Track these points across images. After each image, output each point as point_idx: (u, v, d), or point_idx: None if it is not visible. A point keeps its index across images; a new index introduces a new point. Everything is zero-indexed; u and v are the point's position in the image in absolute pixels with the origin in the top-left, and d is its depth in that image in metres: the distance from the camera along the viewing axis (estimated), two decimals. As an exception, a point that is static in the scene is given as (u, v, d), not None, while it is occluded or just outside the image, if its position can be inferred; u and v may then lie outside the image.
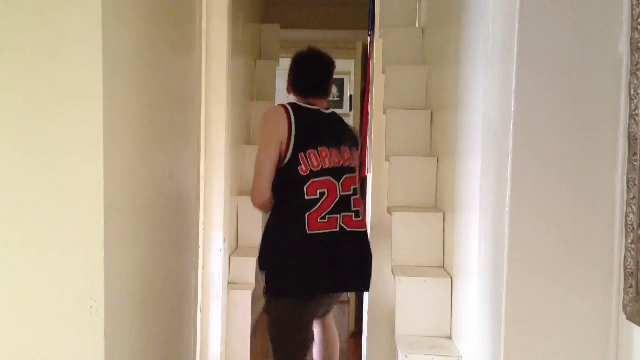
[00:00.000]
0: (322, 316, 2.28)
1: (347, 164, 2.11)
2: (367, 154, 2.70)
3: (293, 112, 2.03)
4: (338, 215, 2.02)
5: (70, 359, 1.40)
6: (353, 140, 2.26)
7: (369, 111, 2.69)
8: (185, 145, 2.50)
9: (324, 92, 2.18)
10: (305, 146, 2.01)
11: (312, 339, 2.18)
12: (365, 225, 2.14)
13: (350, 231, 2.04)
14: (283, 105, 2.08)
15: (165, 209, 2.21)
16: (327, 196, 2.00)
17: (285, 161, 2.00)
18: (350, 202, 2.07)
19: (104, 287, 1.50)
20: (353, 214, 2.06)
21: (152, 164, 2.01)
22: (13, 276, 1.17)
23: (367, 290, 2.25)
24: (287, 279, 2.01)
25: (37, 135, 1.25)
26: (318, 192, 2.00)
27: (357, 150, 2.26)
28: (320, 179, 2.01)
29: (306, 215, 1.97)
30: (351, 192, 2.08)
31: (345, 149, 2.14)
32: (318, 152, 2.03)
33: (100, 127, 1.47)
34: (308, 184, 1.99)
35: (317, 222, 1.98)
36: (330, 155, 2.06)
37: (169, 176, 2.26)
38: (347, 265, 2.05)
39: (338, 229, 2.01)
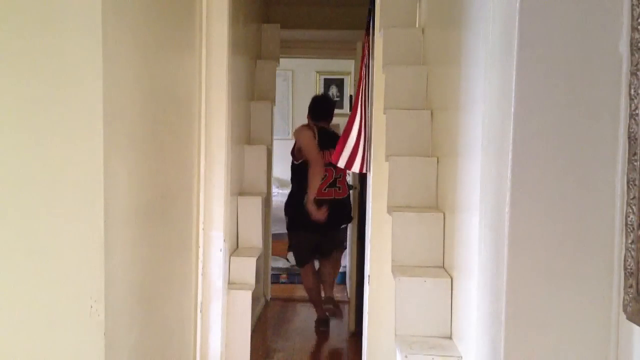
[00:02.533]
0: (323, 256, 3.92)
1: None
2: (365, 154, 2.72)
3: (317, 129, 3.67)
4: (332, 189, 3.65)
5: (70, 359, 1.40)
6: None
7: (363, 111, 2.70)
8: (184, 145, 2.50)
9: (329, 119, 3.82)
10: (319, 147, 3.58)
11: (314, 257, 3.87)
12: (345, 194, 3.77)
13: (338, 199, 3.70)
14: (310, 126, 3.71)
15: (165, 210, 2.21)
16: (327, 177, 3.61)
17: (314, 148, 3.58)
18: (336, 182, 3.68)
19: (104, 287, 1.50)
20: (338, 189, 3.70)
21: (152, 164, 2.01)
22: (13, 276, 1.17)
23: (348, 222, 3.97)
24: (299, 221, 3.72)
25: (38, 137, 1.25)
26: (324, 174, 3.62)
27: None
28: (325, 167, 3.57)
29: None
30: (339, 177, 3.69)
31: None
32: (323, 152, 3.56)
33: (101, 127, 1.47)
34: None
35: (322, 192, 3.59)
36: (331, 155, 3.28)
37: (169, 176, 2.26)
38: (336, 216, 3.73)
39: (333, 198, 3.66)
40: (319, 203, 3.58)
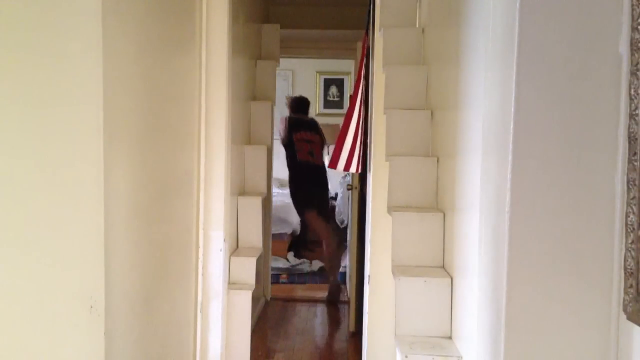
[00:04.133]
0: (316, 209, 4.68)
1: (311, 139, 4.64)
2: (361, 154, 2.72)
3: (288, 119, 4.73)
4: (309, 156, 4.60)
5: (70, 359, 1.40)
6: (316, 128, 4.77)
7: (361, 110, 2.70)
8: (184, 145, 2.50)
9: (305, 111, 4.87)
10: (296, 129, 4.60)
11: (312, 205, 4.64)
12: (320, 162, 4.71)
13: (313, 163, 4.63)
14: (286, 117, 4.73)
15: (165, 209, 2.21)
16: (303, 148, 4.58)
17: (287, 135, 4.64)
18: (313, 153, 4.63)
19: (104, 287, 1.50)
20: (314, 157, 4.63)
21: (151, 164, 2.01)
22: (14, 277, 1.17)
23: (326, 188, 4.88)
24: (299, 189, 4.67)
25: (38, 137, 1.25)
26: (301, 146, 4.60)
27: (317, 133, 4.75)
28: (301, 142, 4.60)
29: (296, 154, 4.57)
30: (312, 149, 4.64)
31: (313, 133, 4.71)
32: (300, 132, 4.61)
33: (101, 128, 1.47)
34: (297, 143, 4.58)
35: (303, 155, 4.59)
36: (306, 134, 4.60)
37: (169, 176, 2.26)
38: (318, 179, 4.70)
39: (308, 160, 4.59)
40: (302, 164, 4.62)
